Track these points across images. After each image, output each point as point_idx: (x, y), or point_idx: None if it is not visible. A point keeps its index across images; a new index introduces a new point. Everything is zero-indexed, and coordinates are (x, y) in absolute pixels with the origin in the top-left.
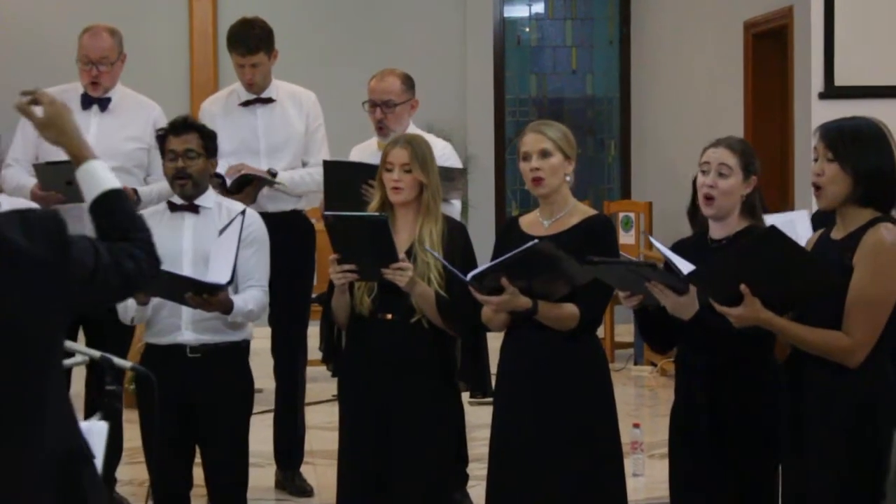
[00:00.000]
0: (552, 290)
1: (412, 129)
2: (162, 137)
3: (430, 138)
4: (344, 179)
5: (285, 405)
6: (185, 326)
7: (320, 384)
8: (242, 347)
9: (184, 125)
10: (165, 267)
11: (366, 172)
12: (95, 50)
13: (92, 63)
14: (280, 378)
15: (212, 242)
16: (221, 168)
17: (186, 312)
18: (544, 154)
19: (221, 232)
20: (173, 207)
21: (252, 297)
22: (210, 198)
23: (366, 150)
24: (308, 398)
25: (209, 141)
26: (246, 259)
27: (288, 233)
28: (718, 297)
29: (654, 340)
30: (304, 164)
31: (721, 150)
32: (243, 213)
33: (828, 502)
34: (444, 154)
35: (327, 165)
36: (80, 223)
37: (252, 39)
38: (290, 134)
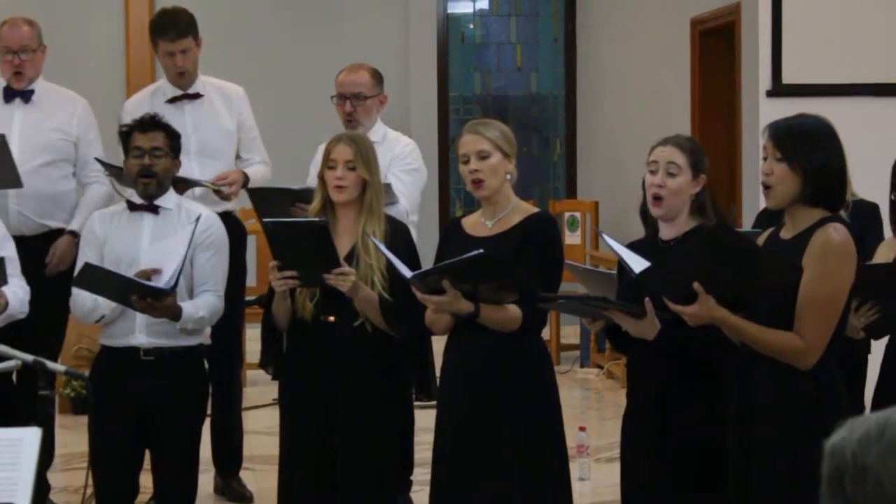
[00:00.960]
0: (499, 297)
1: (380, 126)
2: (126, 134)
3: (396, 135)
4: (271, 205)
5: (222, 409)
6: (139, 329)
7: (260, 388)
8: (199, 352)
9: (151, 123)
10: (112, 267)
11: (293, 195)
12: (15, 39)
13: (13, 52)
14: (216, 382)
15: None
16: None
17: (141, 315)
18: (482, 155)
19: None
20: (132, 207)
21: (205, 302)
22: (171, 199)
23: None
24: (247, 402)
25: (175, 140)
26: (202, 263)
27: None
28: (672, 296)
29: (626, 349)
30: (244, 161)
31: (669, 149)
32: (198, 219)
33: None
34: (405, 152)
35: (252, 193)
36: (4, 213)
37: (180, 24)
38: (220, 131)
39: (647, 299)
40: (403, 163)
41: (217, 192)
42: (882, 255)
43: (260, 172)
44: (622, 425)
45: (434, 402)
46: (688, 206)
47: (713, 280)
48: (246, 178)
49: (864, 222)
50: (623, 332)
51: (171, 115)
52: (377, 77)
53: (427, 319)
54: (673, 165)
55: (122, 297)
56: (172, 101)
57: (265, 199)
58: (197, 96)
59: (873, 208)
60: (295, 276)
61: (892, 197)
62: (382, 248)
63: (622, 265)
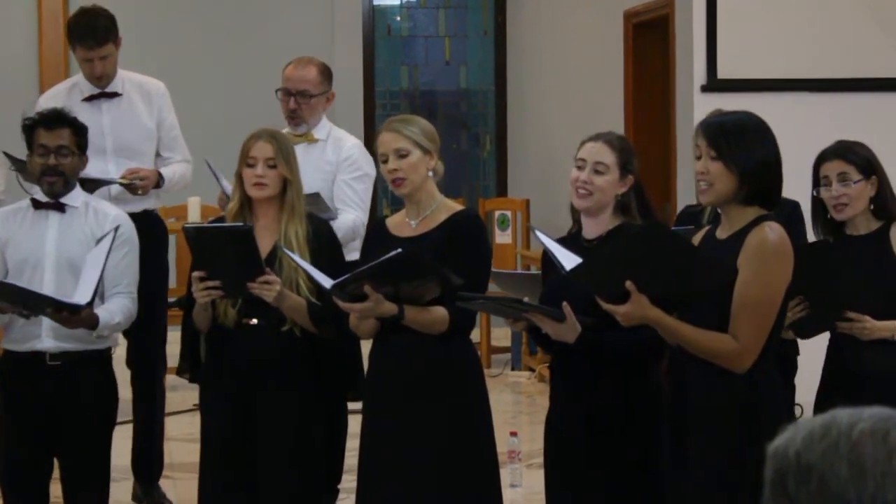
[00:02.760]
0: (421, 294)
1: (325, 123)
2: (30, 128)
3: (341, 133)
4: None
5: (144, 416)
6: (46, 333)
7: (180, 393)
8: (106, 356)
9: (56, 119)
10: (23, 279)
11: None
12: None
13: None
14: (138, 388)
15: (77, 245)
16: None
17: (47, 319)
18: (401, 153)
19: (98, 242)
20: (37, 205)
21: (119, 307)
22: (78, 196)
23: None
24: (168, 408)
25: (81, 137)
26: (114, 264)
27: (139, 235)
28: (603, 294)
29: (548, 346)
30: (164, 159)
31: (599, 146)
32: (117, 229)
33: None
34: (353, 156)
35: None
36: None
37: (100, 31)
38: (140, 131)
39: (565, 303)
40: (352, 168)
41: (128, 186)
42: None
43: (180, 171)
44: (545, 428)
45: (360, 407)
46: (612, 206)
47: (646, 279)
48: (160, 178)
49: (784, 221)
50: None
51: (88, 114)
52: (326, 73)
53: (351, 324)
54: (601, 165)
55: (38, 308)
56: (89, 98)
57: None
58: (115, 95)
59: (793, 206)
60: (217, 287)
61: (814, 193)
62: (297, 259)
63: (548, 264)
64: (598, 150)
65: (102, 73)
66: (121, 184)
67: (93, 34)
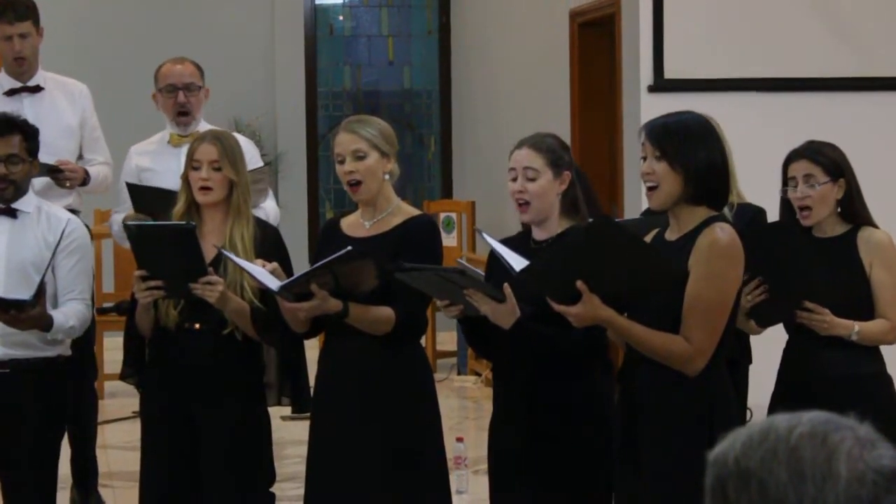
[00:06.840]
0: (357, 279)
1: (205, 124)
2: None
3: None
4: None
5: (75, 421)
6: None
7: (119, 400)
8: (58, 363)
9: (7, 126)
10: None
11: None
12: None
13: None
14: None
15: (29, 250)
16: None
17: None
18: (358, 155)
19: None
20: None
21: (74, 311)
22: (30, 202)
23: (154, 147)
24: (107, 415)
25: (32, 141)
26: (67, 270)
27: None
28: (554, 295)
29: (481, 348)
30: (86, 161)
31: (525, 152)
32: (65, 228)
33: None
34: (244, 148)
35: (131, 189)
36: None
37: (20, 7)
38: (61, 127)
39: (506, 284)
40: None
41: (55, 174)
42: None
43: (103, 172)
44: (489, 432)
45: (305, 415)
46: (557, 206)
47: (597, 278)
48: (87, 176)
49: (745, 225)
50: (476, 323)
51: (10, 108)
52: (200, 69)
53: (285, 315)
54: (530, 170)
55: None
56: (11, 93)
57: (142, 197)
58: (37, 89)
59: (756, 213)
60: (159, 287)
61: (782, 194)
62: (241, 263)
63: (493, 265)
64: (525, 156)
65: (21, 53)
66: (50, 168)
67: (13, 8)
